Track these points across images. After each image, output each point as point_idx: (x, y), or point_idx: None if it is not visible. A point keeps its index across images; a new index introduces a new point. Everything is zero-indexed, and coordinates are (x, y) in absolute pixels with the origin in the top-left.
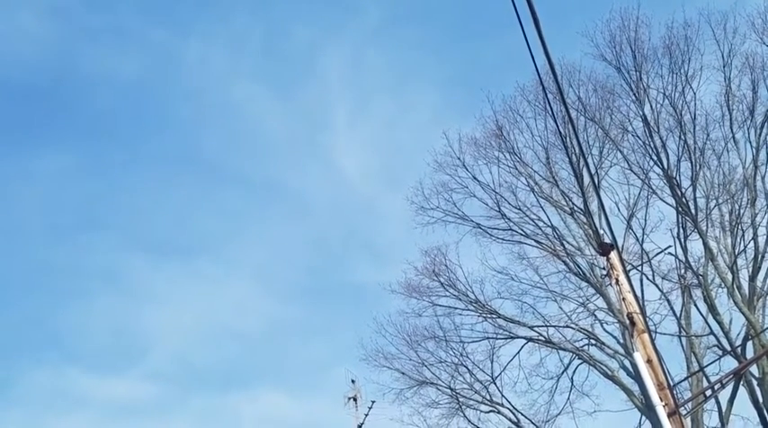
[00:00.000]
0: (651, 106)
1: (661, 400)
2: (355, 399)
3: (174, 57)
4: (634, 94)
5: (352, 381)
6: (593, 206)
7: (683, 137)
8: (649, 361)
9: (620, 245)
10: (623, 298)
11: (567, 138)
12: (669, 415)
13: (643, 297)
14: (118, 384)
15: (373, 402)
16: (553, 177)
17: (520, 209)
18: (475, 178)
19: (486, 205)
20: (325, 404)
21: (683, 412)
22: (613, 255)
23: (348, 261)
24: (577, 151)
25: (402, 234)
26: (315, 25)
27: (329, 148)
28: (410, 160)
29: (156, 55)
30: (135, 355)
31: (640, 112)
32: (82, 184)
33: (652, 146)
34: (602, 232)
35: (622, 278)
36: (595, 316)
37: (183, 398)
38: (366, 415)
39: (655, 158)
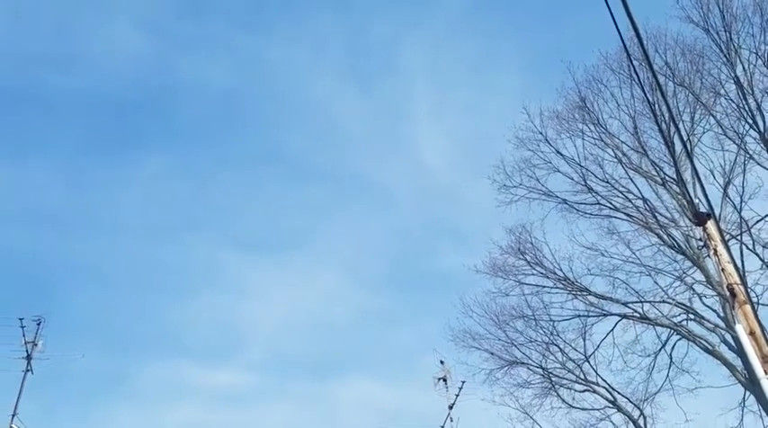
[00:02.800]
0: (743, 67)
1: (766, 373)
2: (445, 380)
3: (258, 61)
4: (725, 56)
5: (441, 362)
6: (687, 175)
7: None
8: (752, 334)
9: (716, 213)
10: (722, 269)
11: (656, 106)
12: None
13: (743, 267)
14: (222, 374)
15: (463, 382)
16: (642, 147)
17: (608, 182)
18: (558, 152)
19: (572, 180)
20: (417, 389)
21: None
22: (710, 225)
23: (433, 250)
24: (667, 118)
25: (487, 220)
26: (395, 20)
27: (412, 140)
28: (493, 146)
29: (242, 60)
30: (236, 347)
31: (732, 74)
32: (179, 187)
33: (746, 109)
34: (696, 201)
35: (721, 248)
36: (693, 289)
37: (281, 386)
38: (457, 396)
39: (750, 122)
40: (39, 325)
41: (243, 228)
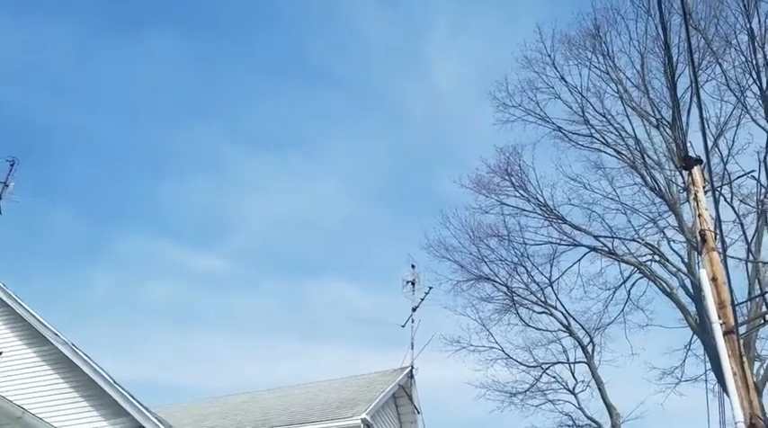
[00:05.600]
0: (759, 20)
1: (719, 318)
2: (413, 283)
3: None
4: (743, 5)
5: (412, 266)
6: (682, 120)
7: None
8: (714, 279)
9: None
10: (699, 215)
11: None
12: (725, 334)
13: (719, 217)
14: (203, 258)
15: (430, 288)
16: (645, 85)
17: (604, 116)
18: (563, 78)
19: (570, 109)
20: (390, 297)
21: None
22: (696, 170)
23: (433, 172)
24: (675, 61)
25: (485, 150)
26: None
27: (429, 58)
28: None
29: None
30: (220, 235)
31: (747, 25)
32: (190, 72)
33: (754, 63)
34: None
35: (701, 194)
36: (664, 233)
37: (259, 278)
38: (422, 300)
39: (754, 77)
40: (12, 166)
41: (249, 123)
